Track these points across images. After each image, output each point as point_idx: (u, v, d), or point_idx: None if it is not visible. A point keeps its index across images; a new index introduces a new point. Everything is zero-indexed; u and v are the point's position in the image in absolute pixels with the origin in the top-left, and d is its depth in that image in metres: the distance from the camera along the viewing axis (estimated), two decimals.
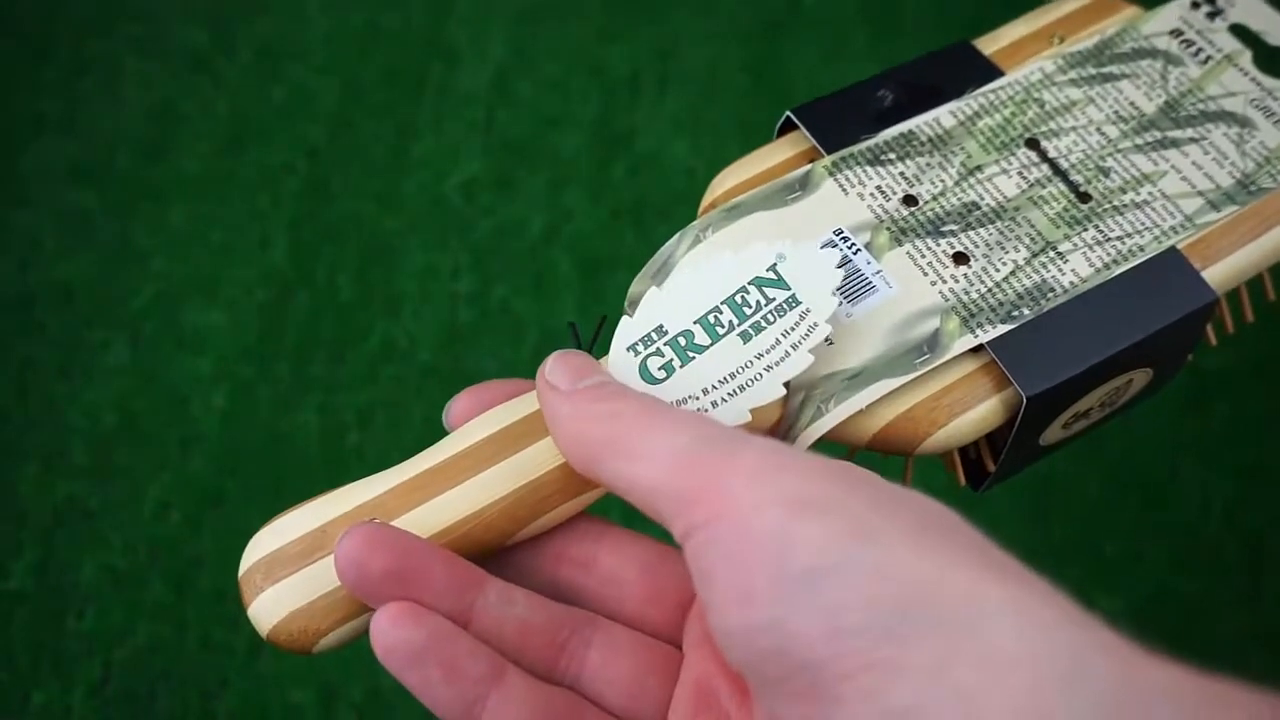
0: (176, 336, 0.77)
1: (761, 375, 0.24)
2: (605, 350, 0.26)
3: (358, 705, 0.63)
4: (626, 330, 0.25)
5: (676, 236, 0.27)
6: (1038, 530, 0.70)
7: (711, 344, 0.25)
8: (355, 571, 0.22)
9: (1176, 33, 0.29)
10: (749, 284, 0.25)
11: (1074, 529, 0.69)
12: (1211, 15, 0.29)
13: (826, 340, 0.26)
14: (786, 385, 0.24)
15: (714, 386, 0.24)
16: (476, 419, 0.26)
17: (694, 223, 0.28)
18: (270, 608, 0.24)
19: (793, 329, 0.24)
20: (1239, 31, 0.29)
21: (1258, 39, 0.28)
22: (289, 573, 0.24)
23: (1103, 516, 0.69)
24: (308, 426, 0.72)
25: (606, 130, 0.87)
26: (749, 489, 0.20)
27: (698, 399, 0.24)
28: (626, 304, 0.28)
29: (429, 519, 0.24)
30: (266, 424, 0.72)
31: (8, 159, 0.85)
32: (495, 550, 0.25)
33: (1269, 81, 0.28)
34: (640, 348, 0.25)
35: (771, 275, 0.25)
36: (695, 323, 0.25)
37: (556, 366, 0.24)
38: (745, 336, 0.24)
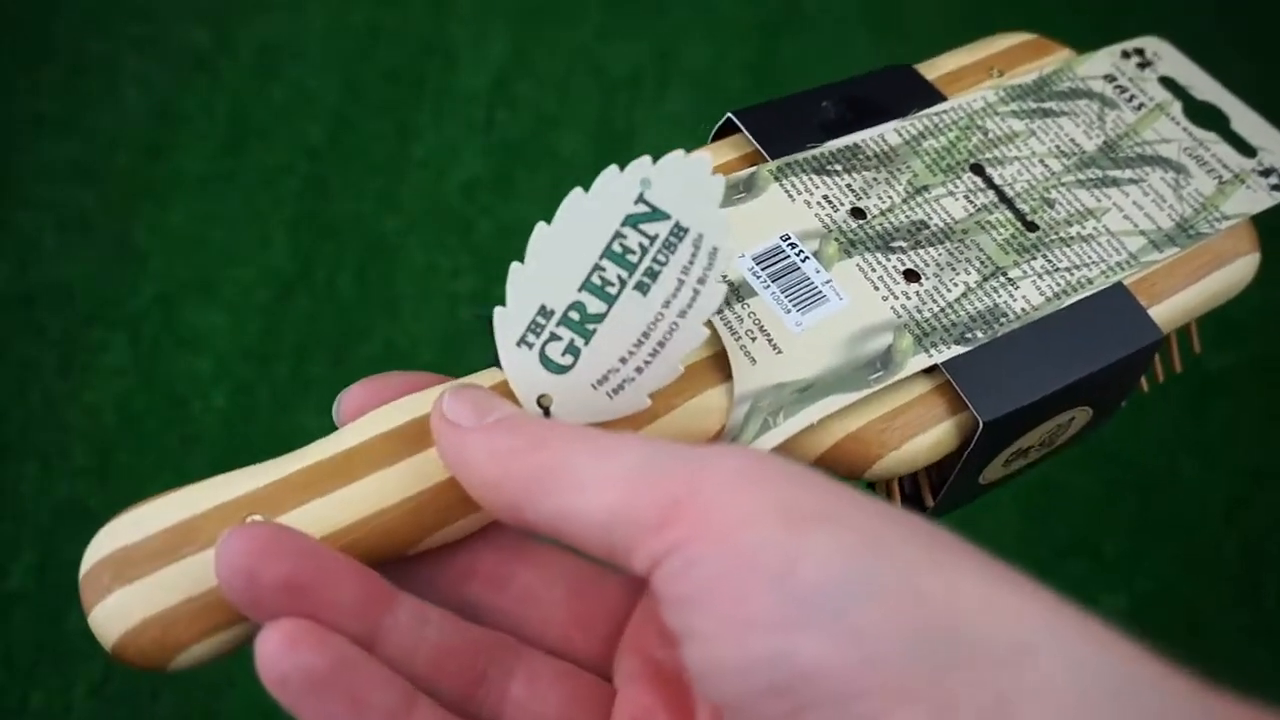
0: (176, 336, 0.77)
1: (677, 324, 0.22)
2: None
3: None
4: (506, 323, 0.22)
5: None
6: (1037, 530, 0.70)
7: (609, 308, 0.22)
8: (243, 579, 0.19)
9: (1110, 78, 0.30)
10: (621, 226, 0.22)
11: (1074, 529, 0.69)
12: (1141, 66, 0.30)
13: (772, 345, 0.24)
14: (708, 325, 0.22)
15: (631, 352, 0.22)
16: (377, 411, 0.23)
17: None
18: (117, 613, 0.20)
19: (691, 262, 0.22)
20: (1168, 83, 0.30)
21: (1185, 92, 0.30)
22: (145, 572, 0.20)
23: (1103, 516, 0.69)
24: (308, 426, 0.71)
25: (606, 130, 0.87)
26: (732, 501, 0.17)
27: (618, 370, 0.22)
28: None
29: (320, 519, 0.21)
30: (266, 424, 0.72)
31: (8, 159, 0.85)
32: (392, 560, 0.22)
33: (1199, 132, 0.29)
34: (531, 338, 0.22)
35: (643, 208, 0.22)
36: (580, 290, 0.22)
37: (456, 402, 0.21)
38: (642, 287, 0.22)
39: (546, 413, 0.22)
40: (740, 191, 0.26)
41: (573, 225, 0.22)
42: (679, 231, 0.22)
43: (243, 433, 0.72)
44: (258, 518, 0.21)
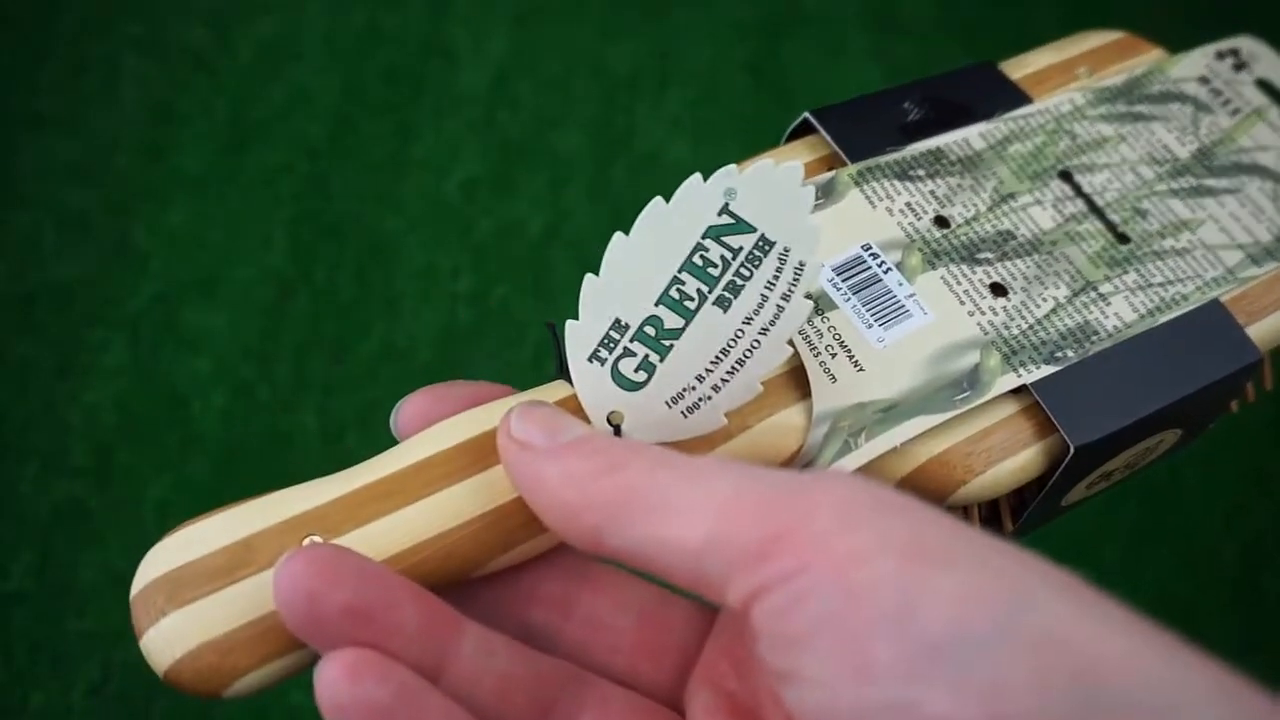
0: (176, 336, 0.77)
1: (759, 341, 0.21)
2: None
3: None
4: (578, 338, 0.21)
5: None
6: (1037, 534, 0.69)
7: (686, 324, 0.21)
8: (303, 605, 0.18)
9: (1204, 80, 0.28)
10: (703, 238, 0.21)
11: (1074, 531, 0.69)
12: (1237, 68, 0.29)
13: (853, 362, 0.23)
14: (790, 343, 0.21)
15: (708, 370, 0.21)
16: (439, 425, 0.21)
17: None
18: (172, 638, 0.19)
19: (776, 277, 0.21)
20: (1264, 86, 0.28)
21: None
22: (200, 594, 0.19)
23: (1102, 519, 0.69)
24: (308, 426, 0.71)
25: (606, 130, 0.87)
26: (844, 535, 0.16)
27: (694, 389, 0.21)
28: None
29: (379, 540, 0.20)
30: (266, 424, 0.72)
31: (7, 159, 0.85)
32: (456, 584, 0.21)
33: None
34: (604, 354, 0.21)
35: (728, 219, 0.21)
36: (657, 304, 0.21)
37: (525, 421, 0.19)
38: (723, 302, 0.21)
39: (617, 431, 0.21)
40: (819, 197, 0.25)
41: (651, 236, 0.21)
42: (765, 245, 0.21)
43: (243, 433, 0.72)
44: (316, 538, 0.20)
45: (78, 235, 0.82)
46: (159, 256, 0.81)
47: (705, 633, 0.22)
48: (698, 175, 0.21)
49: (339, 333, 0.77)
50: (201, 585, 0.19)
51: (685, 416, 0.21)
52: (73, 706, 0.62)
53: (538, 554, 0.21)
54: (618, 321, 0.21)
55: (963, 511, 0.24)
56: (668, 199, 0.21)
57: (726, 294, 0.21)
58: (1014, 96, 0.28)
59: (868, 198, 0.25)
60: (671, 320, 0.21)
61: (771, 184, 0.21)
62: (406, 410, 0.22)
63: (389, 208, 0.84)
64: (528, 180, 0.84)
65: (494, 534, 0.21)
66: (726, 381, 0.21)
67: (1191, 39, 0.30)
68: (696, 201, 0.21)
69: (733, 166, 0.21)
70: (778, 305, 0.21)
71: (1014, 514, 0.25)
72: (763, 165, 0.21)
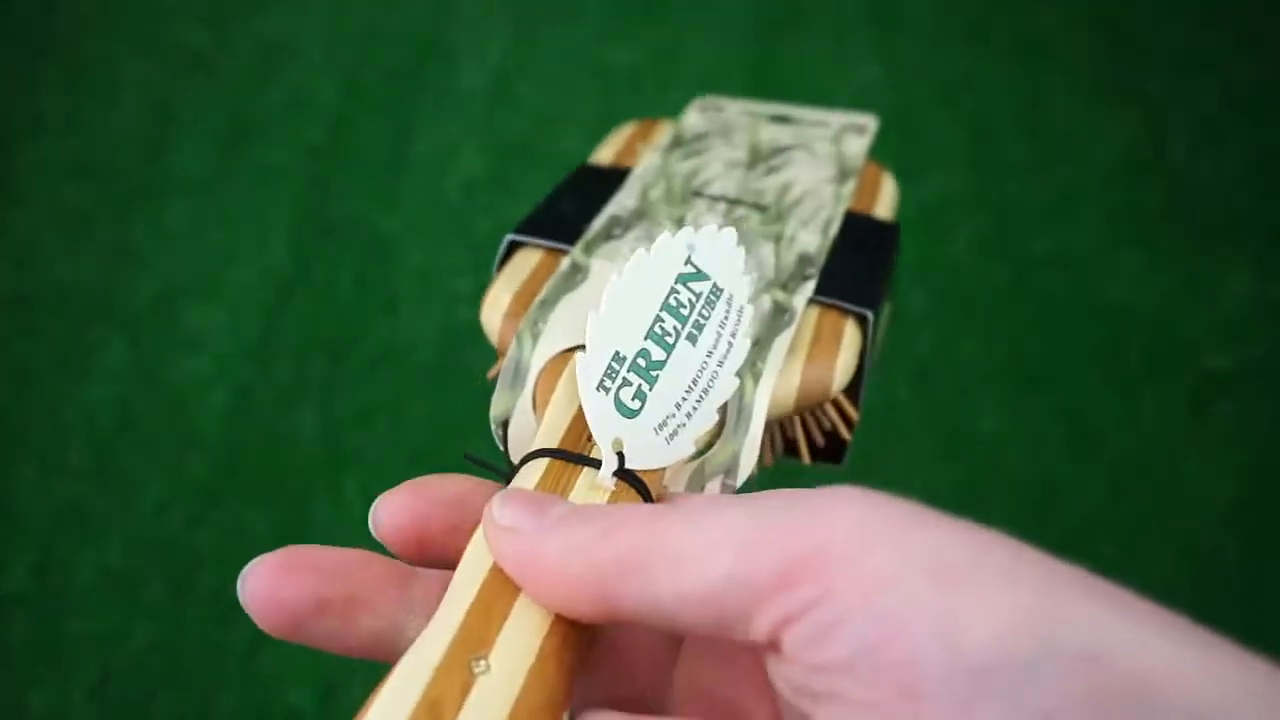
0: (176, 336, 0.77)
1: (716, 373, 0.24)
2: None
3: (358, 705, 0.63)
4: (588, 368, 0.23)
5: (514, 343, 0.28)
6: (1038, 530, 0.69)
7: (667, 357, 0.24)
8: (276, 608, 0.19)
9: (710, 121, 0.39)
10: (676, 283, 0.25)
11: (1074, 529, 0.69)
12: (718, 110, 0.39)
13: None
14: (737, 375, 0.25)
15: (683, 398, 0.24)
16: (476, 539, 0.20)
17: (521, 325, 0.28)
18: None
19: (725, 319, 0.25)
20: (742, 113, 0.39)
21: (754, 114, 0.39)
22: None
23: (1103, 516, 0.69)
24: (307, 426, 0.71)
25: (606, 130, 0.87)
26: (866, 556, 0.16)
27: (674, 416, 0.24)
28: (494, 424, 0.27)
29: (523, 637, 0.19)
30: (266, 424, 0.72)
31: (7, 159, 0.85)
32: (594, 645, 0.21)
33: (788, 127, 0.38)
34: (608, 383, 0.23)
35: (691, 269, 0.25)
36: (645, 339, 0.24)
37: (509, 507, 0.19)
38: (691, 339, 0.25)
39: (622, 459, 0.22)
40: (576, 275, 0.30)
41: (637, 279, 0.24)
42: (716, 290, 0.25)
43: (243, 433, 0.72)
44: (483, 661, 0.19)
45: (78, 235, 0.82)
46: (158, 256, 0.81)
47: (676, 645, 0.22)
48: (668, 232, 0.25)
49: (339, 333, 0.77)
50: None
51: (668, 443, 0.23)
52: (73, 706, 0.62)
53: None
54: (617, 353, 0.24)
55: (790, 443, 0.31)
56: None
57: (694, 330, 0.25)
58: (620, 172, 0.35)
59: (605, 259, 0.30)
60: (656, 353, 0.24)
61: (716, 243, 0.26)
62: (387, 507, 0.22)
63: (389, 208, 0.84)
64: (527, 180, 0.84)
65: None
66: (695, 409, 0.24)
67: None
68: (669, 253, 0.25)
69: (689, 228, 0.26)
70: (729, 342, 0.25)
71: (854, 400, 0.31)
72: (708, 229, 0.26)
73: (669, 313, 0.24)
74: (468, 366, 0.75)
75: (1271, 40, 1.00)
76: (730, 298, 0.25)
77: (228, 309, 0.78)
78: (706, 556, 0.17)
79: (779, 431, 0.32)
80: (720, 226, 0.29)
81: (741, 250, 0.26)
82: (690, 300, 0.25)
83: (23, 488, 0.70)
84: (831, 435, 0.32)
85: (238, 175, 0.85)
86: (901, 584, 0.15)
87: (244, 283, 0.80)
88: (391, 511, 0.22)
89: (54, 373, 0.75)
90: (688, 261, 0.25)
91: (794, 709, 0.18)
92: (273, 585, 0.20)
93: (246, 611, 0.20)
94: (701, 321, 0.25)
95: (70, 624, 0.65)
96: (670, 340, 0.24)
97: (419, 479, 0.22)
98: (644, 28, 0.93)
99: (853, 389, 0.30)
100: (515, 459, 0.26)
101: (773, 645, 0.17)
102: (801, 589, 0.16)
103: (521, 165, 0.85)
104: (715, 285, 0.25)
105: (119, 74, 0.90)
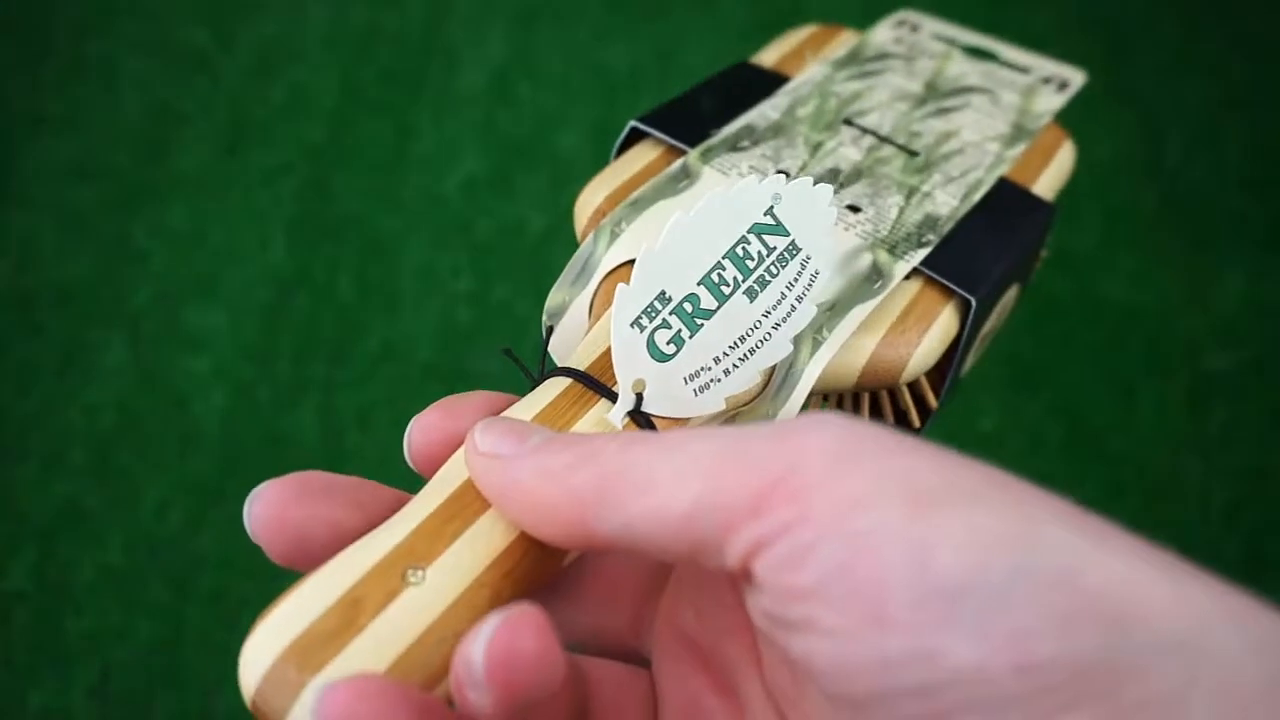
0: (176, 336, 0.77)
1: (770, 335, 0.23)
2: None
3: None
4: (627, 302, 0.22)
5: (590, 237, 0.27)
6: None
7: (719, 306, 0.23)
8: None
9: (898, 41, 0.36)
10: (749, 233, 0.23)
11: None
12: (914, 29, 0.37)
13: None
14: (793, 341, 0.23)
15: (725, 354, 0.23)
16: (453, 464, 0.21)
17: (604, 220, 0.27)
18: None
19: (795, 280, 0.23)
20: (939, 38, 0.37)
21: (954, 41, 0.36)
22: (330, 656, 0.18)
23: (1102, 515, 0.69)
24: (308, 426, 0.71)
25: (606, 130, 0.87)
26: (841, 479, 0.16)
27: (709, 369, 0.22)
28: (546, 316, 0.26)
29: (468, 556, 0.19)
30: (266, 424, 0.72)
31: (7, 159, 0.85)
32: (551, 578, 0.21)
33: (983, 65, 0.35)
34: (645, 321, 0.22)
35: (770, 220, 0.23)
36: (699, 284, 0.23)
37: (490, 434, 0.19)
38: (751, 294, 0.23)
39: (639, 399, 0.22)
40: (682, 180, 0.28)
41: (708, 221, 0.23)
42: (793, 249, 0.24)
43: (243, 433, 0.72)
44: (420, 571, 0.19)
45: (78, 235, 0.82)
46: (159, 256, 0.81)
47: (662, 577, 0.23)
48: (754, 176, 0.24)
49: (339, 333, 0.77)
50: (326, 648, 0.18)
51: (695, 395, 0.22)
52: (73, 705, 0.62)
53: None
54: (663, 293, 0.22)
55: (874, 407, 0.29)
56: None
57: (755, 286, 0.23)
58: (776, 78, 0.33)
59: (719, 170, 0.29)
60: (708, 300, 0.23)
61: (808, 198, 0.24)
62: (420, 425, 0.21)
63: (389, 207, 0.84)
64: (527, 180, 0.84)
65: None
66: (736, 368, 0.23)
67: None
68: (749, 199, 0.24)
69: (781, 176, 0.24)
70: (792, 305, 0.23)
71: (935, 391, 0.29)
72: (802, 181, 0.24)
73: (733, 261, 0.23)
74: (467, 366, 0.75)
75: (1267, 42, 1.00)
76: (806, 259, 0.24)
77: (228, 309, 0.78)
78: (675, 482, 0.17)
79: (849, 403, 0.30)
80: (860, 164, 0.28)
81: (833, 211, 0.24)
82: (760, 253, 0.23)
83: (23, 487, 0.70)
84: (902, 418, 0.29)
85: (238, 175, 0.85)
86: (875, 507, 0.15)
87: (244, 283, 0.80)
88: (423, 428, 0.21)
89: (54, 373, 0.75)
90: (768, 212, 0.23)
91: (771, 645, 0.18)
92: (283, 510, 0.19)
93: (254, 539, 0.20)
94: (767, 278, 0.23)
95: (70, 623, 0.65)
96: (727, 291, 0.23)
97: (450, 398, 0.22)
98: (644, 28, 0.93)
99: (938, 373, 0.28)
100: (558, 359, 0.26)
101: (747, 574, 0.16)
102: (774, 513, 0.16)
103: (521, 165, 0.85)
104: (793, 243, 0.23)
105: (119, 74, 0.90)
